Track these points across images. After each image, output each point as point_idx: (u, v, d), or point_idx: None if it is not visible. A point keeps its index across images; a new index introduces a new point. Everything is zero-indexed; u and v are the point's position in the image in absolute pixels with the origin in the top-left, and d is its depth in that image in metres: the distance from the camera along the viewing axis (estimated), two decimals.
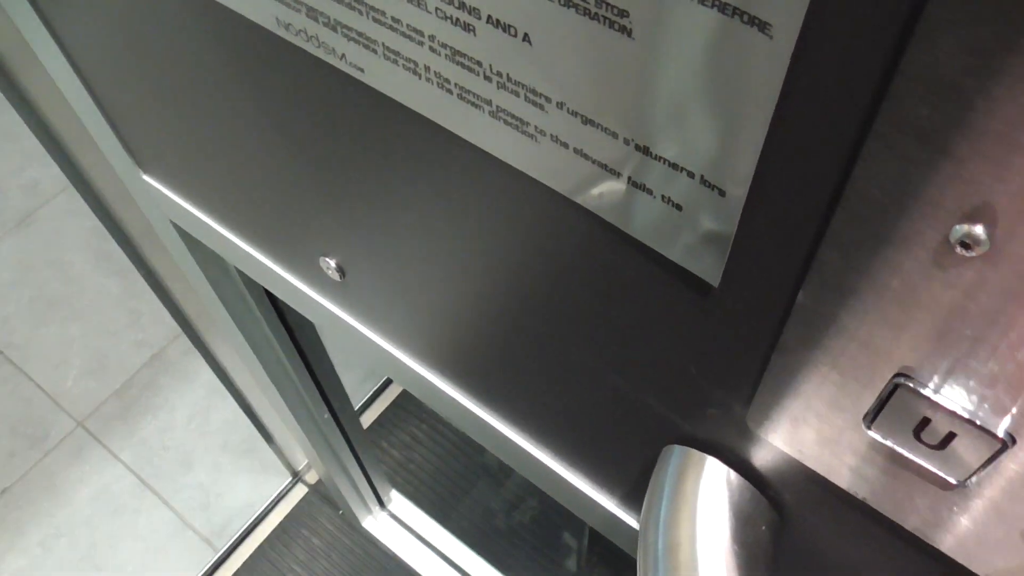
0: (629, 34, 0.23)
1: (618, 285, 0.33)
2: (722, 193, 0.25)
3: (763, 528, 0.37)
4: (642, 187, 0.27)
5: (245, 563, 1.49)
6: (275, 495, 1.54)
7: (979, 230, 0.20)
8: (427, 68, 0.30)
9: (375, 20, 0.31)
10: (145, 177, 0.66)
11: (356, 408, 1.58)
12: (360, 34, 0.32)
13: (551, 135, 0.28)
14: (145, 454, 1.60)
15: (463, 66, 0.29)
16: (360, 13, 0.31)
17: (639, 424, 0.41)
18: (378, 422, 1.59)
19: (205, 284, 0.84)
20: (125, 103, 0.59)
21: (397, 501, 1.51)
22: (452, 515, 1.49)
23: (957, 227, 0.20)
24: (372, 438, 1.56)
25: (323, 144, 0.43)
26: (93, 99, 0.60)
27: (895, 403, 0.26)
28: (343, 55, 0.34)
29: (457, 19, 0.27)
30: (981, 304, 0.21)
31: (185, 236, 0.74)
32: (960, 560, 0.31)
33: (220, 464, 1.59)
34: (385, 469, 1.53)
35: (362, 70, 0.34)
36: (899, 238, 0.21)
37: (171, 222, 0.72)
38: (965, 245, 0.20)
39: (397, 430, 1.58)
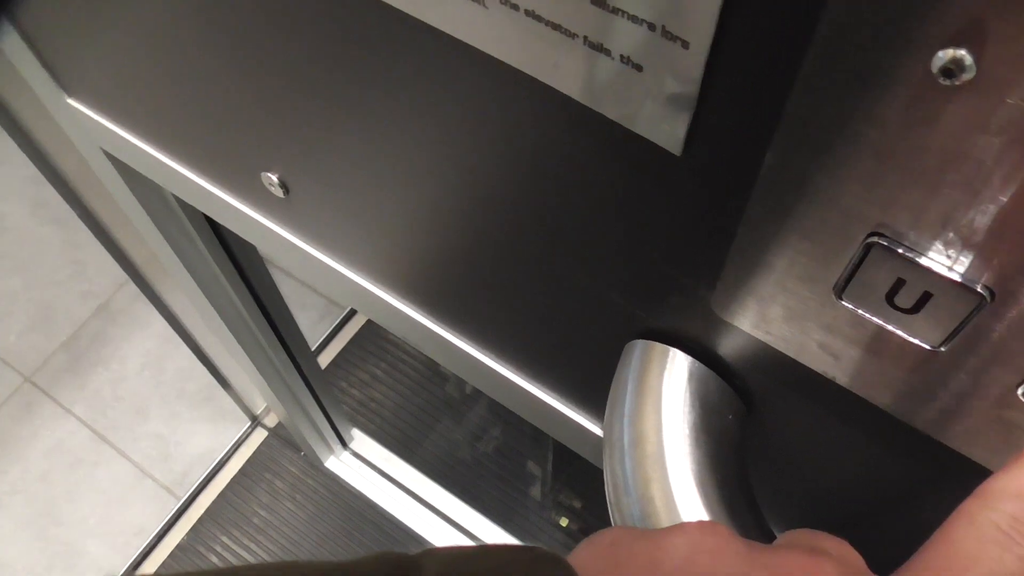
0: None
1: (575, 168, 0.32)
2: (685, 45, 0.23)
3: (730, 417, 0.36)
4: (599, 47, 0.25)
5: (208, 510, 1.47)
6: (235, 440, 1.52)
7: (964, 54, 0.18)
8: None
9: None
10: (70, 101, 0.62)
11: (313, 348, 1.55)
12: None
13: None
14: (98, 406, 1.57)
15: None
16: None
17: (603, 324, 0.40)
18: (335, 362, 1.57)
19: (146, 219, 0.80)
20: (43, 18, 0.55)
21: (359, 439, 1.50)
22: (415, 450, 1.49)
23: (940, 53, 0.19)
24: (330, 378, 1.55)
25: (257, 46, 0.40)
26: (6, 15, 0.56)
27: (868, 265, 0.25)
28: None
29: None
30: (965, 143, 0.20)
31: (119, 166, 0.71)
32: (936, 436, 0.30)
33: (177, 413, 1.56)
34: (345, 408, 1.51)
35: None
36: (877, 73, 0.20)
37: (102, 151, 0.68)
38: (948, 73, 0.19)
39: (356, 369, 1.56)
